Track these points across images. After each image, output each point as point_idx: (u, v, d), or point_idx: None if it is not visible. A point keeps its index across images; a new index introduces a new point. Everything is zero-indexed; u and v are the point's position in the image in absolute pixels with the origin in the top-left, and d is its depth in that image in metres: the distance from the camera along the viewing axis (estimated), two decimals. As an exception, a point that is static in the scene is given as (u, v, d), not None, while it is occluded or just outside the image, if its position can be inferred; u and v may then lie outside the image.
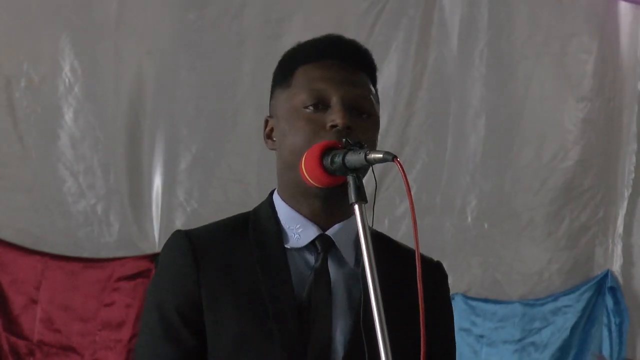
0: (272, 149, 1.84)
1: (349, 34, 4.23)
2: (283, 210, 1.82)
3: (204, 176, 3.87)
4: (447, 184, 4.10)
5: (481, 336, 4.21)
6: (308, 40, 1.90)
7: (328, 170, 1.63)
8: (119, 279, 3.66)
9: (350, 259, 1.81)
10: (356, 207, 1.58)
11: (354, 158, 1.59)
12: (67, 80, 3.69)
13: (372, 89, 1.84)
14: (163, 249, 1.88)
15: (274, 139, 1.82)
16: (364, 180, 1.73)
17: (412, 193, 4.23)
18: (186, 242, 1.83)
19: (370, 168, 1.64)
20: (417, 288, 1.60)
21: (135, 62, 3.84)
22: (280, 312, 1.78)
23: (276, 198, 1.84)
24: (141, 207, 3.81)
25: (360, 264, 1.64)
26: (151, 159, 3.85)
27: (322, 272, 1.80)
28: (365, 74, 1.84)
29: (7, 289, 3.68)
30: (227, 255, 1.84)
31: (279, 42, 3.73)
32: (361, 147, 1.62)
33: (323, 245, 1.79)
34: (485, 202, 4.20)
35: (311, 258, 1.80)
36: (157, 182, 3.87)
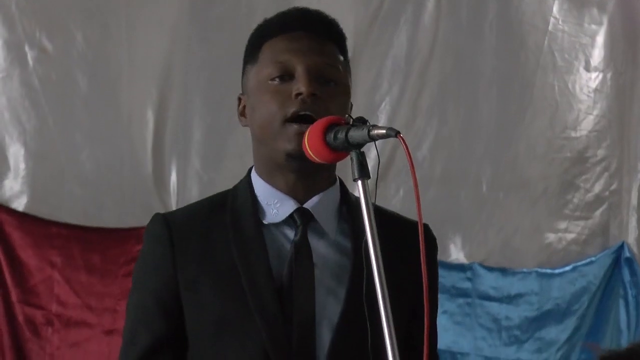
0: (245, 126, 1.86)
1: (358, 7, 4.27)
2: (260, 186, 1.83)
3: (219, 146, 3.94)
4: (461, 154, 4.16)
5: (499, 305, 4.28)
6: (274, 15, 1.93)
7: (331, 147, 1.63)
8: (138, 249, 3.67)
9: (331, 231, 1.82)
10: (359, 183, 1.59)
11: (357, 134, 1.60)
12: (80, 49, 3.77)
13: (341, 57, 1.85)
14: (144, 233, 1.91)
15: (246, 115, 1.85)
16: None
17: (426, 164, 4.26)
18: (163, 226, 1.85)
19: (374, 143, 1.64)
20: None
21: (147, 32, 3.92)
22: (257, 290, 1.80)
23: (253, 175, 1.85)
24: (160, 176, 3.88)
25: (363, 241, 1.63)
26: (164, 129, 3.91)
27: (302, 245, 1.80)
28: (332, 42, 1.85)
29: (24, 259, 3.76)
30: (204, 236, 1.86)
31: (290, 13, 3.88)
32: (364, 122, 1.63)
33: (302, 219, 1.80)
34: (500, 172, 4.24)
35: (290, 233, 1.81)
36: (173, 151, 3.93)
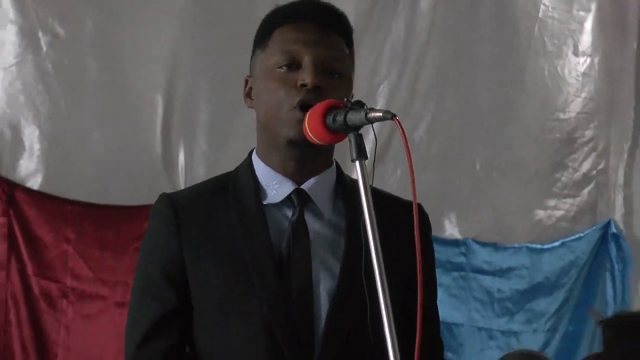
0: (251, 107, 1.92)
1: None
2: (260, 168, 1.88)
3: (225, 128, 4.07)
4: (456, 136, 4.31)
5: (492, 278, 4.45)
6: (286, 4, 1.98)
7: (330, 129, 1.68)
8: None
9: (327, 211, 1.87)
10: (357, 163, 1.64)
11: (355, 117, 1.64)
12: (90, 34, 3.89)
13: (346, 50, 1.91)
14: (150, 213, 1.97)
15: (252, 97, 1.90)
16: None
17: (423, 145, 4.32)
18: (169, 206, 1.91)
19: (371, 126, 1.69)
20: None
21: (155, 18, 4.02)
22: (259, 265, 1.85)
23: (254, 157, 1.91)
24: (168, 157, 4.00)
25: (361, 220, 1.68)
26: (172, 112, 4.03)
27: (299, 225, 1.86)
28: (339, 35, 1.90)
29: (40, 235, 3.90)
30: (208, 215, 1.91)
31: (293, -8, 3.96)
32: (362, 106, 1.67)
33: (299, 199, 1.85)
34: (494, 153, 4.40)
35: (289, 212, 1.86)
36: (181, 133, 4.06)
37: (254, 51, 1.92)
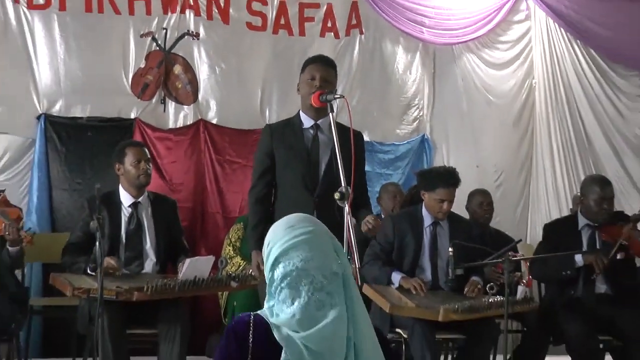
0: (299, 93, 4.16)
1: (330, 51, 7.87)
2: (302, 114, 4.02)
3: (289, 99, 7.14)
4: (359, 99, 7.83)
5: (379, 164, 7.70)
6: (312, 56, 4.25)
7: (321, 100, 3.80)
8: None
9: (326, 130, 3.89)
10: (331, 114, 3.58)
11: (327, 97, 3.74)
12: None
13: (333, 72, 4.00)
14: (260, 139, 4.28)
15: (299, 90, 4.09)
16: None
17: (351, 102, 7.64)
18: (268, 129, 4.21)
19: (345, 99, 3.64)
20: (348, 142, 3.57)
21: (248, 68, 7.65)
22: (300, 151, 3.96)
23: (300, 112, 4.04)
24: (264, 111, 7.68)
25: (335, 138, 3.46)
26: (271, 98, 7.65)
27: (315, 136, 4.01)
28: (330, 67, 4.02)
29: (222, 145, 7.47)
30: (282, 133, 4.08)
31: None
32: (331, 93, 3.74)
33: (316, 127, 3.98)
34: (371, 93, 7.96)
35: (312, 131, 4.02)
36: (271, 102, 7.64)
37: (301, 75, 4.17)
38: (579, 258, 5.40)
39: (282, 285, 2.21)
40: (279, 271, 2.22)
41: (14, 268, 5.05)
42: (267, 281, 2.28)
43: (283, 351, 2.21)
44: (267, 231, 2.34)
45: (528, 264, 5.60)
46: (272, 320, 2.25)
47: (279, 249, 2.23)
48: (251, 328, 2.27)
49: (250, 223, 4.08)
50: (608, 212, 5.41)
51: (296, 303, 2.19)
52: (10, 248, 4.82)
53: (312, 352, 2.16)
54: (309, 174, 4.06)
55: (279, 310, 2.22)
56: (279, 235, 2.27)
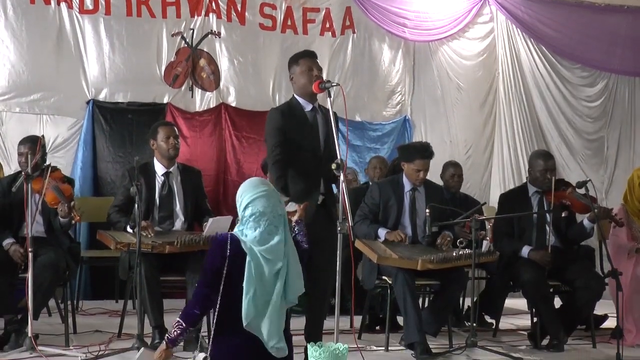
0: (293, 83, 4.07)
1: (325, 48, 8.14)
2: (300, 99, 3.96)
3: (287, 88, 7.14)
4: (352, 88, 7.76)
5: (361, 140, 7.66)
6: (301, 51, 4.17)
7: (321, 87, 3.74)
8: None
9: (323, 113, 3.91)
10: (328, 99, 3.58)
11: (327, 85, 3.67)
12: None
13: (319, 66, 4.02)
14: (269, 114, 4.10)
15: (293, 81, 4.04)
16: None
17: (346, 91, 8.32)
18: (279, 110, 4.02)
19: (340, 86, 3.70)
20: (329, 119, 3.69)
21: (269, 63, 7.52)
22: (307, 129, 3.93)
23: (296, 96, 3.99)
24: (274, 98, 7.49)
25: (329, 117, 3.61)
26: (281, 90, 7.41)
27: (315, 115, 3.95)
28: (317, 60, 4.03)
29: (242, 124, 7.46)
30: (292, 115, 3.94)
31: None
32: (329, 82, 3.66)
33: (313, 109, 3.94)
34: (362, 82, 7.80)
35: (312, 113, 3.99)
36: (280, 90, 7.45)
37: (290, 67, 4.13)
38: (525, 251, 5.33)
39: (250, 219, 3.00)
40: (248, 211, 3.02)
41: (66, 230, 5.03)
42: (239, 215, 3.06)
43: (247, 256, 2.95)
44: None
45: (492, 234, 5.34)
46: (242, 238, 3.00)
47: (249, 199, 3.03)
48: (229, 241, 2.97)
49: (275, 175, 3.96)
50: (551, 180, 5.29)
51: (257, 230, 2.99)
52: (61, 219, 4.80)
53: (264, 258, 2.94)
54: (315, 144, 4.06)
55: (247, 233, 3.00)
56: (247, 191, 3.06)
